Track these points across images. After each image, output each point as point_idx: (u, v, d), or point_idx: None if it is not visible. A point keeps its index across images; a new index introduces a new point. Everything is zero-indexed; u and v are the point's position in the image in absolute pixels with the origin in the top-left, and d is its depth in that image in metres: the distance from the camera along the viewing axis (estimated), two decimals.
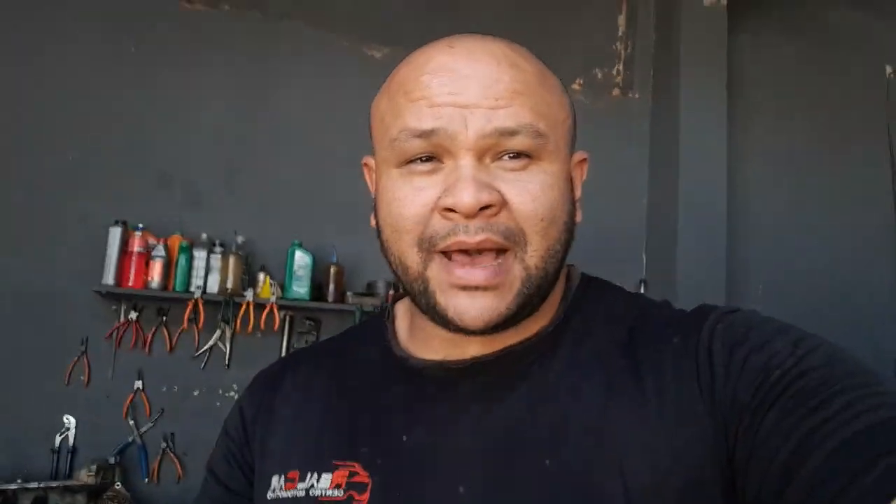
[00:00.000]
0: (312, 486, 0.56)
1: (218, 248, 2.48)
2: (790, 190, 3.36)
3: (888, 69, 3.62)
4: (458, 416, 0.55)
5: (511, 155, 0.52)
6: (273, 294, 2.48)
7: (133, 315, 2.45)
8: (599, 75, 3.30)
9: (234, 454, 0.65)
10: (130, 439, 2.42)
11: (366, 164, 0.63)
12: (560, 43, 3.16)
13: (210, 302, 2.43)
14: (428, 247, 0.52)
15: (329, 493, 0.55)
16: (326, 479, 0.55)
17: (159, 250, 2.37)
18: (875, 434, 0.41)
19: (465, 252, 0.51)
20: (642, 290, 2.95)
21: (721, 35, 3.11)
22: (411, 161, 0.53)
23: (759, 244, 3.25)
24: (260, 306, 2.49)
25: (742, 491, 0.48)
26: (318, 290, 2.59)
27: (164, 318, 2.50)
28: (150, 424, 2.46)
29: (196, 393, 2.55)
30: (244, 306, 2.45)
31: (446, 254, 0.52)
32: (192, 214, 2.59)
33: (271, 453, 0.61)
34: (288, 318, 2.62)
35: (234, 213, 2.64)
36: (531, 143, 0.52)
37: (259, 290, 2.50)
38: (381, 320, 0.66)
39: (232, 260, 2.48)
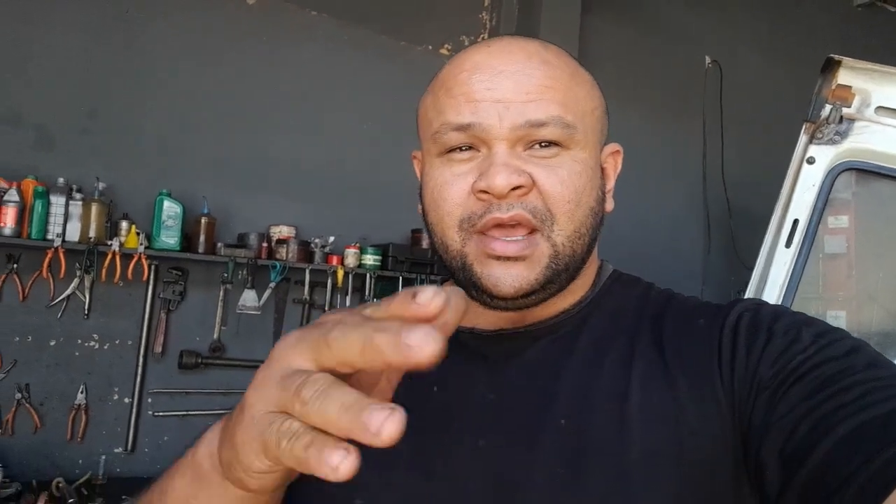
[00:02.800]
0: None
1: (77, 195, 2.37)
2: (624, 163, 3.80)
3: (707, 59, 4.17)
4: (483, 378, 0.60)
5: (542, 144, 0.57)
6: (141, 244, 2.44)
7: None
8: (466, 42, 3.48)
9: None
10: None
11: (415, 157, 0.68)
12: (429, 11, 3.29)
13: (71, 251, 2.35)
14: (467, 227, 0.57)
15: None
16: None
17: (12, 195, 2.23)
18: (889, 421, 0.43)
19: (500, 226, 0.55)
20: None
21: (575, 13, 3.43)
22: (451, 150, 0.58)
23: None
24: (127, 256, 2.44)
25: (754, 464, 0.49)
26: (187, 240, 2.58)
27: (15, 266, 2.38)
28: (2, 375, 2.36)
29: (53, 343, 2.47)
30: (109, 255, 2.39)
31: (483, 233, 0.57)
32: (46, 158, 2.45)
33: None
34: (153, 267, 2.59)
35: (93, 158, 2.53)
36: (560, 132, 0.56)
37: (124, 239, 2.44)
38: None
39: (94, 207, 2.39)
